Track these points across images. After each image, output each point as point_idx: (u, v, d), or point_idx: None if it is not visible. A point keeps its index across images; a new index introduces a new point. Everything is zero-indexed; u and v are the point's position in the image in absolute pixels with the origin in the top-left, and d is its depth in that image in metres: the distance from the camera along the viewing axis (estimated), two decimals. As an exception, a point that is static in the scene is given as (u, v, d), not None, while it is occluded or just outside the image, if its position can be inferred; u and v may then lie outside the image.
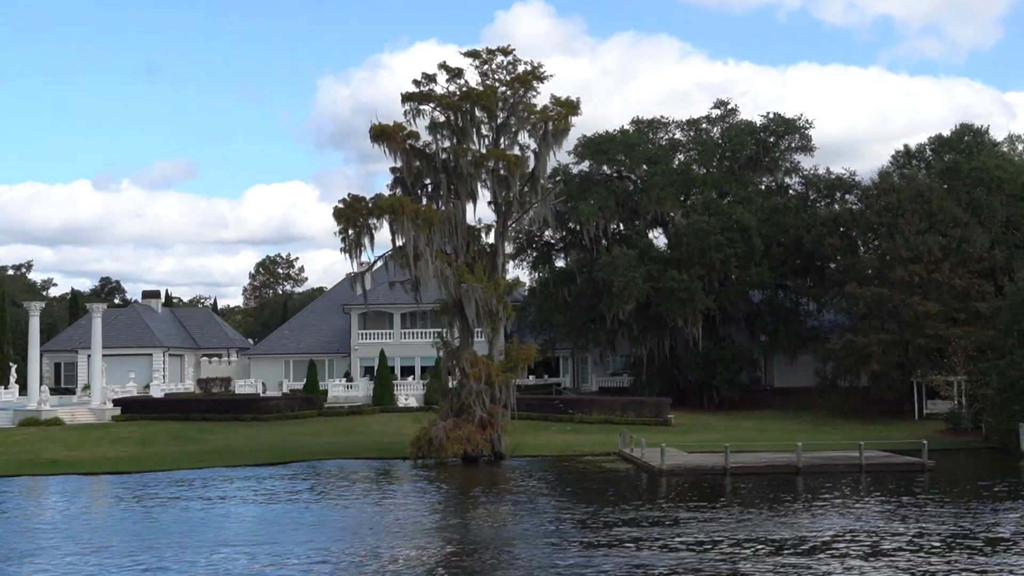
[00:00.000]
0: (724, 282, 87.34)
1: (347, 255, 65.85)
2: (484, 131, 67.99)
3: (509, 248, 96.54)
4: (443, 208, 66.95)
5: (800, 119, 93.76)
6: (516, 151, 67.46)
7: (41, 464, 64.95)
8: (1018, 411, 65.62)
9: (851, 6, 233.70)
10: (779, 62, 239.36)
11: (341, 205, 65.47)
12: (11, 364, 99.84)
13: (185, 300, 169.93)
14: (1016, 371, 65.98)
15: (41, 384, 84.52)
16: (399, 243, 64.69)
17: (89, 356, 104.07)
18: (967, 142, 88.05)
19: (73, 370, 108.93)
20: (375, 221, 65.33)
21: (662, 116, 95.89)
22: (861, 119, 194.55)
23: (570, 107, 66.17)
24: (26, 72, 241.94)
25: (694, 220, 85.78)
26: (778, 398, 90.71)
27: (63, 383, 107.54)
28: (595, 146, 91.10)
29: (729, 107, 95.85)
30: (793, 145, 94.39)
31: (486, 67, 67.20)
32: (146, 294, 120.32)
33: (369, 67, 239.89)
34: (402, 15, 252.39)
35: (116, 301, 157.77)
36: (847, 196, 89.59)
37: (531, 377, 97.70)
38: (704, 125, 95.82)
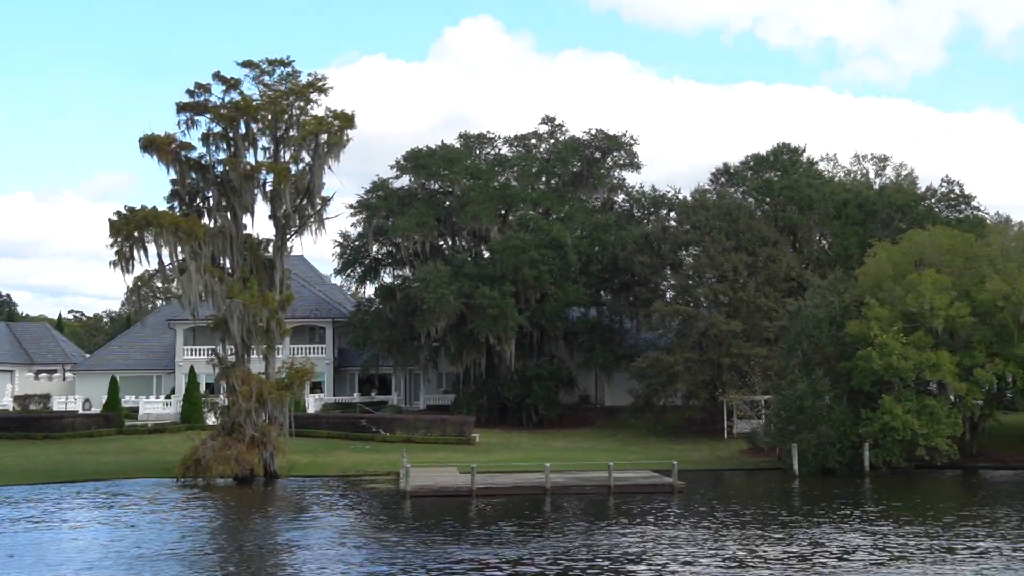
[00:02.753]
0: (541, 300, 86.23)
1: (118, 268, 63.85)
2: (266, 143, 66.60)
3: (335, 263, 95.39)
4: (217, 222, 65.34)
5: (625, 135, 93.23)
6: (296, 164, 66.12)
7: None
8: (793, 432, 65.05)
9: (796, 28, 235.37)
10: (725, 81, 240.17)
11: (115, 217, 63.59)
12: None
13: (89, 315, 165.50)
14: (792, 392, 65.41)
15: None
16: (165, 258, 62.91)
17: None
18: (783, 161, 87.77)
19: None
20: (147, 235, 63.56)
21: (488, 131, 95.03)
22: (806, 138, 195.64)
23: (345, 119, 64.88)
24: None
25: (507, 236, 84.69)
26: (602, 417, 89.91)
27: None
28: (415, 160, 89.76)
29: (556, 123, 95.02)
30: (620, 162, 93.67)
31: (265, 78, 65.79)
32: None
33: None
34: (351, 30, 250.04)
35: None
36: (671, 213, 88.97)
37: (356, 395, 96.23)
38: (532, 141, 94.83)
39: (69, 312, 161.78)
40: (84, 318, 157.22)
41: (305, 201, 65.81)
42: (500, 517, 48.08)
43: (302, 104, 65.45)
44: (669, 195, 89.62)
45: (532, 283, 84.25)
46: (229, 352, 65.89)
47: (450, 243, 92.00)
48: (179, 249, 62.81)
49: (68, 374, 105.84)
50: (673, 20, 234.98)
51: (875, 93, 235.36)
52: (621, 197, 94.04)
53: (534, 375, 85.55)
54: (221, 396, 66.32)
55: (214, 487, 61.76)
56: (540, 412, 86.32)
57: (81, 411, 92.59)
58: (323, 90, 66.15)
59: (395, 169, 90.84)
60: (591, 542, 40.77)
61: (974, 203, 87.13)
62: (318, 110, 65.70)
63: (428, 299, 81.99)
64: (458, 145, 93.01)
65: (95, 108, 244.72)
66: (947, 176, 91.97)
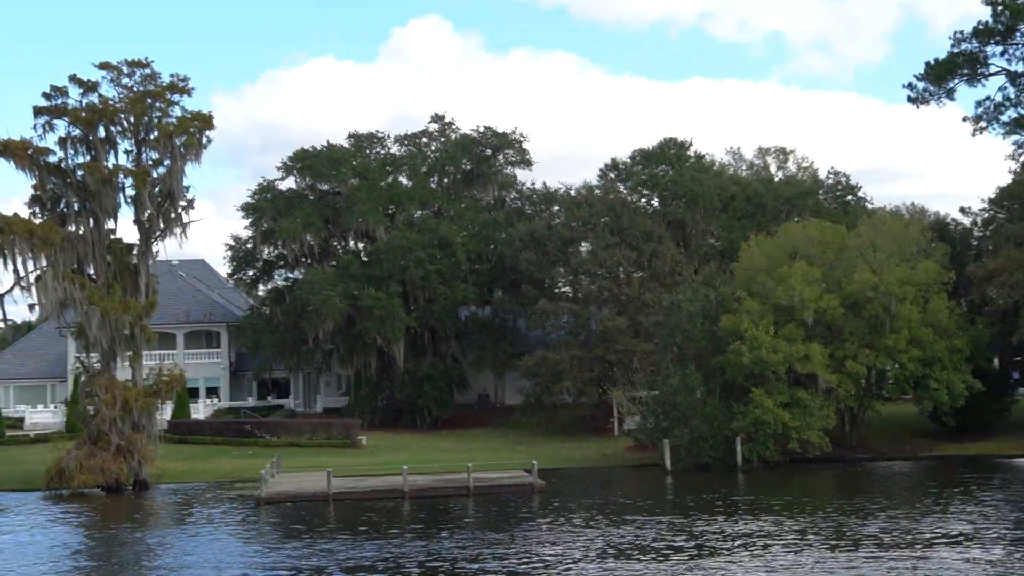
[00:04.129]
0: (431, 300, 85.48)
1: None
2: (128, 146, 65.46)
3: (226, 266, 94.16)
4: (79, 228, 64.11)
5: (514, 133, 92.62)
6: (158, 167, 65.09)
7: None
8: (667, 427, 64.78)
9: (743, 23, 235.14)
10: (674, 77, 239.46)
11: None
12: None
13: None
14: (666, 387, 65.15)
15: None
16: (20, 265, 61.52)
17: None
18: (669, 155, 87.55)
19: None
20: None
21: (378, 131, 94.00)
22: (754, 132, 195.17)
23: (204, 120, 63.91)
24: None
25: (393, 236, 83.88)
26: (499, 416, 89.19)
27: None
28: (301, 161, 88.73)
29: (446, 121, 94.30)
30: (510, 159, 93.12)
31: (124, 80, 64.61)
32: None
33: (265, 83, 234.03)
34: (298, 31, 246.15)
35: None
36: (559, 210, 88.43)
37: (250, 399, 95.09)
38: (423, 140, 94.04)
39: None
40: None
41: (168, 204, 64.67)
42: (342, 522, 47.45)
43: (162, 106, 64.36)
44: (561, 192, 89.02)
45: (420, 283, 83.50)
46: (95, 360, 64.74)
47: (340, 244, 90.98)
48: (39, 256, 61.58)
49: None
50: (620, 16, 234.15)
51: (822, 87, 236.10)
52: (512, 195, 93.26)
53: (425, 375, 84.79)
54: (84, 405, 64.88)
55: (82, 497, 60.62)
56: (433, 413, 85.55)
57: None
58: (185, 91, 65.16)
59: (281, 170, 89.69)
60: (402, 549, 40.20)
61: (859, 193, 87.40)
62: (185, 110, 64.75)
63: (313, 301, 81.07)
64: (347, 145, 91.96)
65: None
66: (832, 168, 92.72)
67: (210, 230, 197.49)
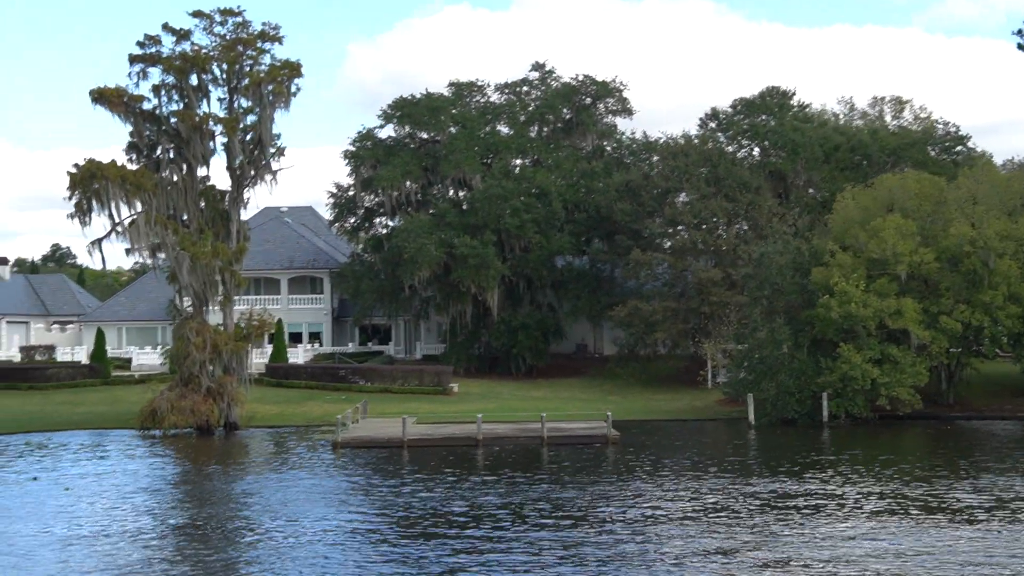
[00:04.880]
0: (526, 249, 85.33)
1: (76, 221, 64.05)
2: (221, 94, 66.46)
3: (328, 214, 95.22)
4: (173, 174, 65.35)
5: (614, 81, 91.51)
6: (251, 114, 65.93)
7: None
8: (751, 382, 63.85)
9: None
10: (814, 23, 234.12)
11: (74, 170, 63.67)
12: None
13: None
14: (754, 341, 64.14)
15: None
16: (114, 211, 62.98)
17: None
18: (771, 104, 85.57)
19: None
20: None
21: (478, 79, 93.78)
22: (895, 80, 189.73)
23: (293, 68, 64.46)
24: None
25: (489, 185, 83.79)
26: (595, 366, 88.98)
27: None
28: (400, 109, 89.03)
29: (547, 69, 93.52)
30: (610, 108, 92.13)
31: (217, 28, 65.48)
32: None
33: (400, 32, 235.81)
34: None
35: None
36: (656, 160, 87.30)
37: (351, 345, 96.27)
38: (523, 88, 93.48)
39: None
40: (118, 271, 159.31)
41: (258, 152, 65.50)
42: (409, 466, 47.89)
43: (253, 54, 65.04)
44: (661, 141, 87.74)
45: (515, 232, 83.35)
46: (187, 304, 66.15)
47: (438, 192, 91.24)
48: (133, 202, 62.99)
49: (72, 326, 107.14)
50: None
51: (966, 32, 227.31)
52: (612, 144, 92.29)
53: (520, 324, 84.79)
54: (176, 347, 66.34)
55: (173, 437, 62.22)
56: (528, 362, 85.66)
57: (86, 362, 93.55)
58: (275, 39, 65.88)
59: (381, 118, 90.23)
60: (449, 493, 40.35)
61: (970, 144, 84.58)
62: (279, 57, 65.45)
63: (409, 249, 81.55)
64: (448, 93, 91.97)
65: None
66: (942, 118, 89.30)
67: (334, 177, 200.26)
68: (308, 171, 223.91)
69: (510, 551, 30.87)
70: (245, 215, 69.70)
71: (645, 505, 37.58)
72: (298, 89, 64.95)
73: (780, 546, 31.06)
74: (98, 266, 70.49)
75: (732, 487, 41.09)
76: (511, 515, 36.11)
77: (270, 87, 63.52)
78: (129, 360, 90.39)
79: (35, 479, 45.92)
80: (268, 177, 66.07)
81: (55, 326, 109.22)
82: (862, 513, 35.58)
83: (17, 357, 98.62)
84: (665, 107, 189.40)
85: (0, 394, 77.59)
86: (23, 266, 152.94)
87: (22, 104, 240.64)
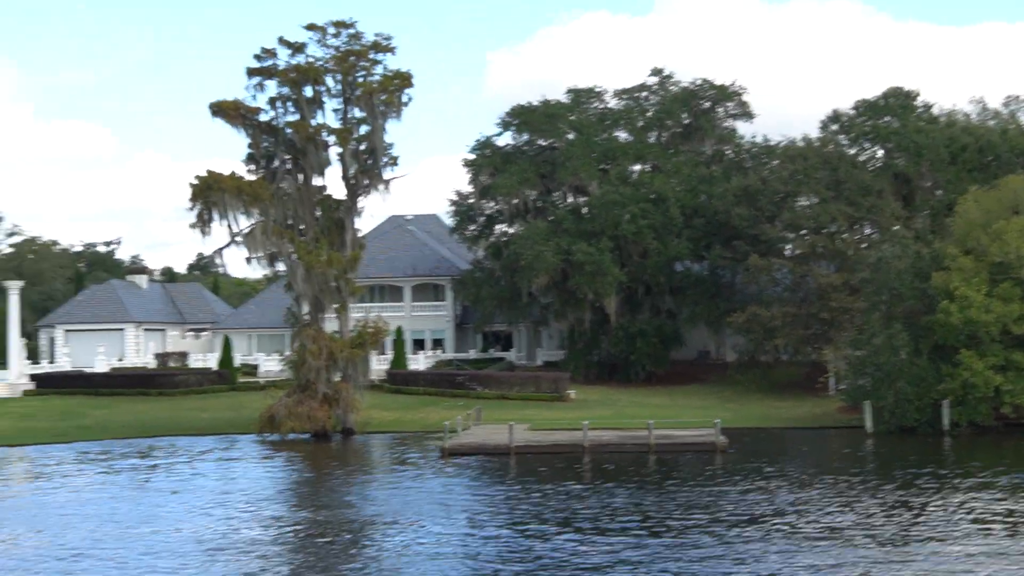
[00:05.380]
0: (644, 255, 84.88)
1: (198, 231, 65.79)
2: (336, 104, 67.64)
3: (449, 221, 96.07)
4: (290, 184, 66.66)
5: (733, 84, 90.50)
6: (364, 124, 66.94)
7: (-98, 438, 66.97)
8: (869, 389, 62.45)
9: None
10: (963, 22, 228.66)
11: (196, 181, 65.43)
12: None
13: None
14: (871, 347, 62.73)
15: (21, 358, 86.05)
16: (232, 220, 64.51)
17: (52, 332, 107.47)
18: (893, 105, 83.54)
19: (69, 344, 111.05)
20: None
21: (596, 85, 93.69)
22: None
23: (404, 79, 65.22)
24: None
25: (606, 191, 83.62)
26: (716, 373, 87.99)
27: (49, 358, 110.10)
28: (517, 117, 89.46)
29: (665, 74, 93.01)
30: (729, 112, 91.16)
31: (331, 40, 66.65)
32: (129, 270, 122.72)
33: (541, 40, 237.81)
34: None
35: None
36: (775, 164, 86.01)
37: (472, 351, 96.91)
38: (642, 93, 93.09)
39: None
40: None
41: (371, 161, 66.45)
42: (512, 473, 48.05)
43: (366, 65, 66.01)
44: (783, 144, 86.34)
45: (632, 238, 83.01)
46: (305, 312, 67.38)
47: (559, 199, 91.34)
48: (251, 211, 64.46)
49: (206, 333, 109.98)
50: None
51: None
52: (731, 149, 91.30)
53: (638, 331, 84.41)
54: (293, 355, 67.62)
55: (290, 442, 63.41)
56: (647, 368, 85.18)
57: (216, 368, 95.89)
58: (387, 49, 66.75)
59: (499, 126, 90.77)
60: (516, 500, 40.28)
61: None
62: (384, 71, 66.25)
63: (526, 256, 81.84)
64: (566, 100, 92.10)
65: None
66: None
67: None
68: (447, 178, 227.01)
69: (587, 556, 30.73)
70: (367, 223, 71.11)
71: (734, 511, 37.04)
72: (409, 99, 65.86)
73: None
74: (236, 274, 72.21)
75: (819, 496, 40.23)
76: (592, 521, 35.93)
77: (382, 97, 64.30)
78: (256, 367, 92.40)
79: (174, 492, 46.34)
80: (381, 186, 66.90)
81: (189, 333, 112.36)
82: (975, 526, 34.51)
83: (152, 363, 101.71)
84: (794, 110, 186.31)
85: (132, 399, 79.85)
86: (169, 275, 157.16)
87: (178, 119, 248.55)
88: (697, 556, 30.45)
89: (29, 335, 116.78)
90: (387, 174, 66.67)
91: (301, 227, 67.38)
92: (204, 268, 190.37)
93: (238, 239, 65.30)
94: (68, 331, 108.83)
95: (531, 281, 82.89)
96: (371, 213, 70.81)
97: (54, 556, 32.29)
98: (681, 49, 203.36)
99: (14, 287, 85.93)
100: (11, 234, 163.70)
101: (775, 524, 34.82)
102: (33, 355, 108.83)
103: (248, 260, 68.74)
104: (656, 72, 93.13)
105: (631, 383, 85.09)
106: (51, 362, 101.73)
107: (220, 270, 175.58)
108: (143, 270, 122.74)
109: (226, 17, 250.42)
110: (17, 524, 37.78)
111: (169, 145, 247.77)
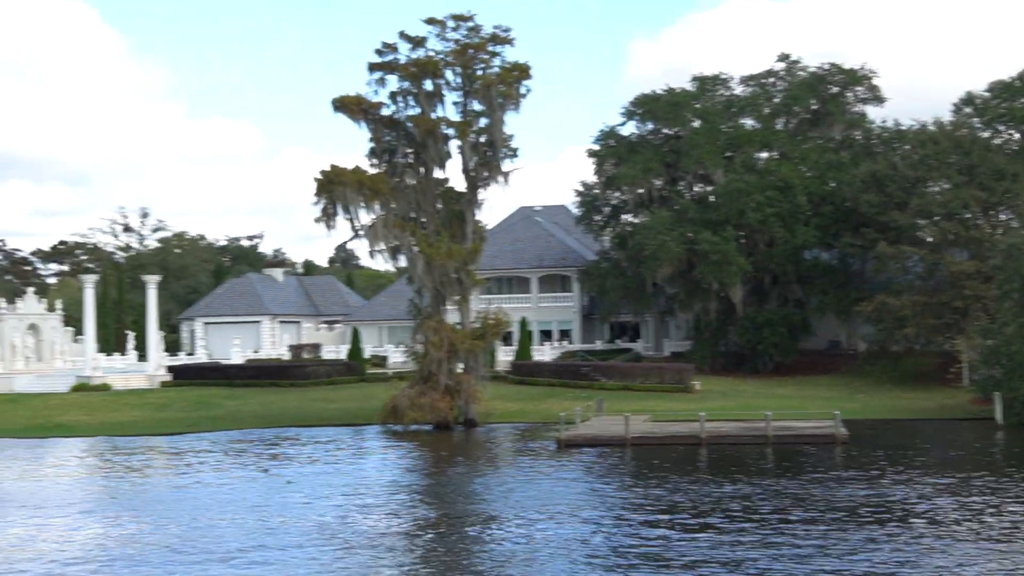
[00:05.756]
0: (771, 243, 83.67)
1: (323, 224, 66.99)
2: (456, 97, 68.16)
3: (576, 211, 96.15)
4: (411, 177, 67.45)
5: (862, 68, 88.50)
6: (484, 117, 67.38)
7: (46, 428, 69.76)
8: (999, 380, 60.62)
9: None
10: None
11: (323, 177, 66.64)
12: (127, 333, 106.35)
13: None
14: (1001, 337, 60.87)
15: (158, 350, 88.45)
16: (355, 214, 65.52)
17: (192, 324, 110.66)
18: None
19: (208, 336, 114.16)
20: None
21: (721, 73, 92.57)
22: None
23: (522, 71, 65.40)
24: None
25: (731, 179, 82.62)
26: (846, 363, 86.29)
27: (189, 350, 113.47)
28: (641, 106, 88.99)
29: (792, 60, 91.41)
30: (859, 96, 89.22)
31: (450, 33, 67.18)
32: (267, 264, 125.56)
33: (683, 26, 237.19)
34: None
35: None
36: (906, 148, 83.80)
37: (598, 342, 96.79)
38: (769, 80, 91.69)
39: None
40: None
41: (490, 154, 66.84)
42: (627, 463, 47.98)
43: (485, 57, 66.38)
44: (915, 128, 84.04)
45: (758, 227, 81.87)
46: (426, 303, 68.11)
47: (684, 188, 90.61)
48: (371, 205, 65.45)
49: (338, 325, 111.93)
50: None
51: None
52: (861, 134, 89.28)
53: (765, 321, 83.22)
54: (418, 346, 68.43)
55: (413, 433, 64.17)
56: (775, 359, 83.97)
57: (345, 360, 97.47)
58: (506, 41, 67.00)
59: (623, 115, 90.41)
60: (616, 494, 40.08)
61: None
62: (502, 63, 66.55)
63: (649, 246, 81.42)
64: (691, 88, 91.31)
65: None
66: None
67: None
68: (584, 168, 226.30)
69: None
70: (496, 215, 71.42)
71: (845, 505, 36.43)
72: (528, 91, 66.03)
73: None
74: (380, 267, 73.34)
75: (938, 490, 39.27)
76: (692, 513, 35.71)
77: (500, 88, 64.58)
78: (385, 358, 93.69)
79: (289, 482, 46.20)
80: (500, 178, 67.26)
81: (323, 326, 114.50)
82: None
83: (286, 355, 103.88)
84: (928, 93, 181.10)
85: (264, 390, 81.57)
86: (308, 268, 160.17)
87: (320, 115, 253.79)
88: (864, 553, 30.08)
89: (173, 328, 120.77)
90: (506, 166, 67.05)
91: (423, 220, 68.08)
92: (345, 261, 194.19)
93: (360, 232, 66.25)
94: (207, 323, 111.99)
95: (655, 271, 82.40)
96: (490, 205, 70.55)
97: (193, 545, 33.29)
98: (822, 32, 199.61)
99: (152, 281, 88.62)
100: (156, 229, 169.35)
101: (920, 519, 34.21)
102: (175, 347, 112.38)
103: (371, 253, 69.85)
104: (783, 58, 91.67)
105: (758, 374, 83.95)
106: (189, 354, 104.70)
107: (344, 263, 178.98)
108: (279, 263, 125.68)
109: (355, 12, 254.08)
110: (155, 513, 39.05)
111: (312, 140, 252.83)
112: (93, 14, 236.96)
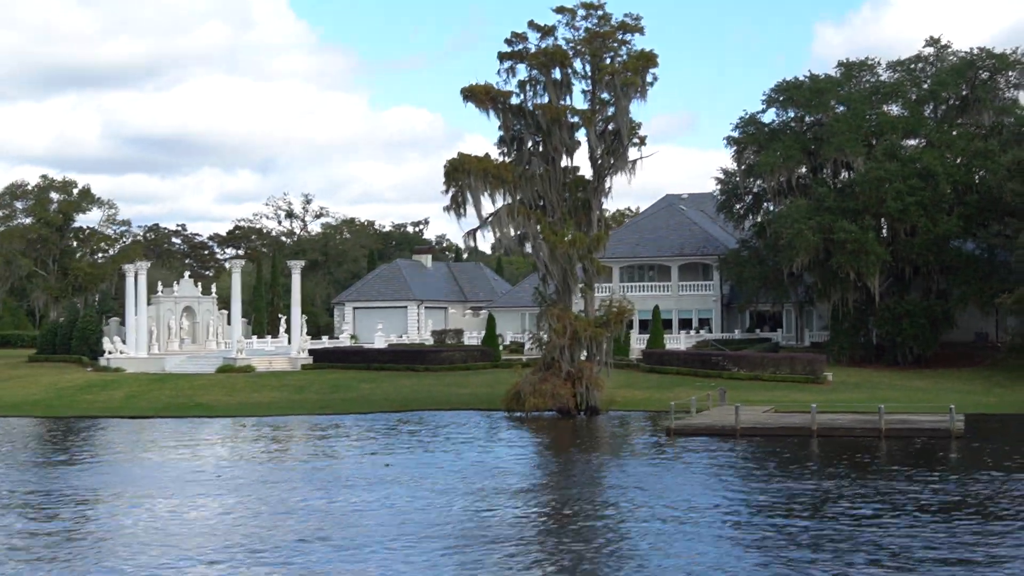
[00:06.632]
0: (912, 232, 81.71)
1: (451, 213, 68.10)
2: (585, 86, 68.51)
3: (717, 200, 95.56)
4: (539, 166, 67.98)
5: (1015, 53, 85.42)
6: (612, 105, 67.60)
7: (185, 407, 72.83)
8: None
9: None
10: None
11: (449, 165, 67.83)
12: (280, 316, 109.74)
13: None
14: None
15: (300, 333, 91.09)
16: (484, 202, 66.41)
17: (343, 309, 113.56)
18: None
19: (356, 321, 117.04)
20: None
21: (869, 58, 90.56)
22: None
23: (648, 59, 65.35)
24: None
25: (870, 167, 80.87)
26: (991, 356, 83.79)
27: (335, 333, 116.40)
28: (783, 92, 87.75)
29: (942, 44, 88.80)
30: (1011, 82, 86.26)
31: (579, 22, 67.49)
32: (416, 250, 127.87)
33: (870, 8, 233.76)
34: None
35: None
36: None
37: (736, 331, 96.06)
38: (917, 65, 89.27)
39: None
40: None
41: (616, 142, 67.00)
42: (729, 454, 47.86)
43: (615, 45, 66.50)
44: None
45: (897, 216, 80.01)
46: (551, 291, 68.66)
47: (825, 176, 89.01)
48: (496, 193, 66.30)
49: (484, 311, 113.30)
50: None
51: None
52: (1012, 121, 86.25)
53: (904, 312, 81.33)
54: (541, 333, 69.09)
55: (535, 419, 64.86)
56: (915, 351, 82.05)
57: (500, 346, 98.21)
58: (636, 29, 66.97)
59: (764, 102, 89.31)
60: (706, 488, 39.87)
61: None
62: (629, 51, 66.62)
63: (785, 234, 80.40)
64: (836, 74, 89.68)
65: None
66: None
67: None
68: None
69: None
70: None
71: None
72: (655, 79, 66.05)
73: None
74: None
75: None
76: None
77: (626, 76, 64.63)
78: (523, 344, 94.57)
79: (387, 465, 47.12)
80: (628, 167, 67.35)
81: (468, 311, 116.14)
82: None
83: (430, 340, 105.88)
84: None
85: (401, 374, 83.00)
86: (472, 255, 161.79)
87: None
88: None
89: (331, 312, 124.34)
90: (633, 154, 67.01)
91: (550, 209, 68.60)
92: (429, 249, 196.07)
93: (487, 220, 67.16)
94: (356, 308, 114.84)
95: (791, 260, 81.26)
96: (611, 195, 69.72)
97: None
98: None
99: (296, 267, 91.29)
100: (319, 215, 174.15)
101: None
102: (330, 331, 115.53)
103: (498, 241, 70.78)
104: (932, 42, 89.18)
105: (897, 365, 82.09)
106: (333, 338, 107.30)
107: (470, 251, 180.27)
108: (429, 250, 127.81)
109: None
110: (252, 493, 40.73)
111: (490, 127, 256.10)
112: (284, 5, 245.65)
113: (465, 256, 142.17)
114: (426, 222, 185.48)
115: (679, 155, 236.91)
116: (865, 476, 41.78)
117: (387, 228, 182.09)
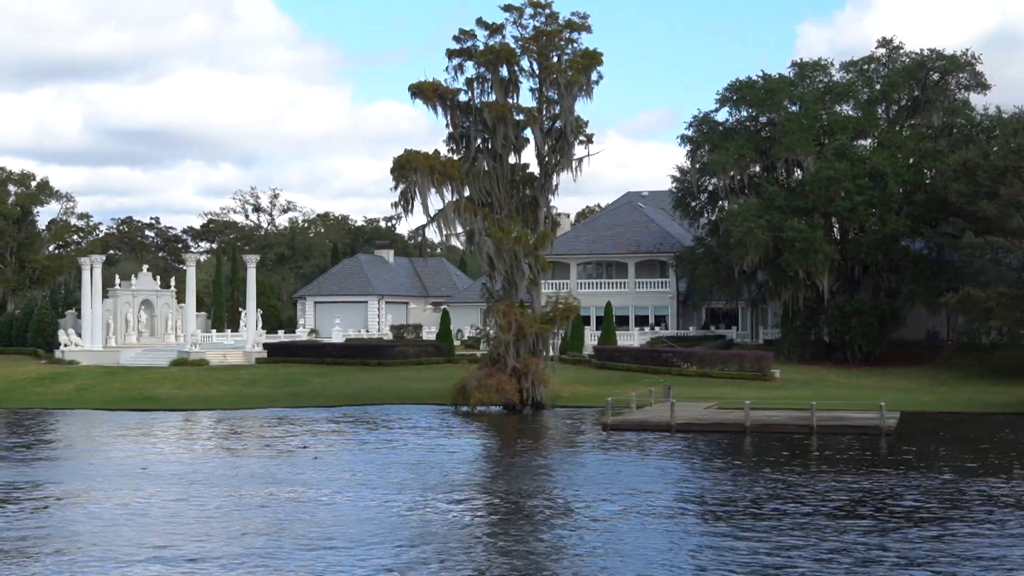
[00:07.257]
0: (861, 232, 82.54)
1: (398, 209, 68.57)
2: (533, 84, 68.99)
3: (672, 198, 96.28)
4: (485, 163, 68.47)
5: (965, 54, 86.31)
6: (558, 104, 68.12)
7: (135, 400, 73.07)
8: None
9: None
10: None
11: (396, 162, 68.14)
12: (240, 310, 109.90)
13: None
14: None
15: (256, 327, 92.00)
16: (433, 199, 66.90)
17: (304, 303, 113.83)
18: None
19: (318, 315, 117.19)
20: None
21: (822, 58, 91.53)
22: None
23: (592, 58, 65.87)
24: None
25: (820, 167, 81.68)
26: (939, 355, 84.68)
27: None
28: (736, 92, 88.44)
29: (894, 45, 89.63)
30: (961, 83, 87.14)
31: (527, 20, 67.98)
32: (379, 245, 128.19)
33: (853, 8, 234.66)
34: None
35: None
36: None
37: (691, 328, 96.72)
38: (869, 66, 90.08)
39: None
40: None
41: (561, 140, 67.54)
42: (664, 448, 48.48)
43: (561, 43, 67.02)
44: (1012, 116, 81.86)
45: (847, 215, 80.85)
46: (498, 287, 69.18)
47: (773, 175, 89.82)
48: (442, 189, 66.77)
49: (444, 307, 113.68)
50: None
51: None
52: (961, 122, 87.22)
53: (853, 310, 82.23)
54: (488, 329, 69.66)
55: (480, 414, 65.38)
56: (864, 349, 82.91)
57: (457, 341, 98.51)
58: (583, 28, 67.55)
59: (717, 101, 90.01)
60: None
61: None
62: (574, 50, 67.16)
63: (736, 233, 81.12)
64: (790, 74, 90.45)
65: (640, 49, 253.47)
66: None
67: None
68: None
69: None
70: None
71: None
72: (600, 77, 66.61)
73: None
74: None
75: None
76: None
77: (568, 75, 65.19)
78: (479, 339, 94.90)
79: (315, 458, 47.35)
80: (573, 164, 67.91)
81: (429, 306, 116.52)
82: None
83: (388, 335, 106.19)
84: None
85: (354, 369, 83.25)
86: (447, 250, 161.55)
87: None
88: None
89: (295, 306, 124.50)
90: (579, 152, 67.56)
91: (497, 206, 69.09)
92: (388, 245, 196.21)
93: (433, 217, 67.63)
94: (317, 302, 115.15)
95: (742, 258, 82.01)
96: (558, 192, 70.11)
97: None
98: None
99: (251, 260, 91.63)
100: (286, 210, 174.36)
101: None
102: (292, 325, 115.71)
103: (445, 237, 71.27)
104: (885, 43, 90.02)
105: (847, 363, 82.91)
106: (288, 332, 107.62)
107: (422, 247, 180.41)
108: (390, 245, 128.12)
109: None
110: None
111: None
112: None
113: (421, 253, 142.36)
114: (398, 217, 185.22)
115: (661, 152, 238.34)
116: (778, 471, 42.44)
117: (360, 223, 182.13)
